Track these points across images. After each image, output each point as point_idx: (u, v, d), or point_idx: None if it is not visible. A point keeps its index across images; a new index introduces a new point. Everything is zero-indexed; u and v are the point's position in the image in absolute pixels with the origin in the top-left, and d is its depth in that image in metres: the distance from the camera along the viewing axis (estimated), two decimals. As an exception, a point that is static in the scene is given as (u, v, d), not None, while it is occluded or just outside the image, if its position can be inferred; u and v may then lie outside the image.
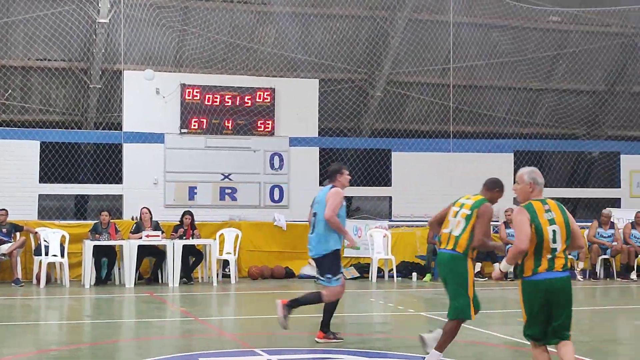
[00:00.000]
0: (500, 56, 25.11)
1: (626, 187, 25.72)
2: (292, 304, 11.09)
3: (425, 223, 21.12)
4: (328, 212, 10.91)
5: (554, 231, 7.75)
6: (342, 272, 11.27)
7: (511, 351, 11.31)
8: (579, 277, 20.00)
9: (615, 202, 25.06)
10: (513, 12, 24.28)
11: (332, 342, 11.07)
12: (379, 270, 19.96)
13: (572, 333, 12.28)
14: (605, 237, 20.60)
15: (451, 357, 10.44)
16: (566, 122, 26.38)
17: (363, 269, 20.36)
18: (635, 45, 25.94)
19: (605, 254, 20.50)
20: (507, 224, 20.48)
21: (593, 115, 26.78)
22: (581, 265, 20.31)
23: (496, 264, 7.54)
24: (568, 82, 26.20)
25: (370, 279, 19.78)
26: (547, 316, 7.90)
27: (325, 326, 11.20)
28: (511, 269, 7.96)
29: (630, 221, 21.13)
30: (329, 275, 11.05)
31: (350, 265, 20.52)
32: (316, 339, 11.18)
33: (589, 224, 21.16)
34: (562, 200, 26.93)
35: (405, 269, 20.29)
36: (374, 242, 20.11)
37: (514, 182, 8.07)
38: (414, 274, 20.09)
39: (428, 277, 19.83)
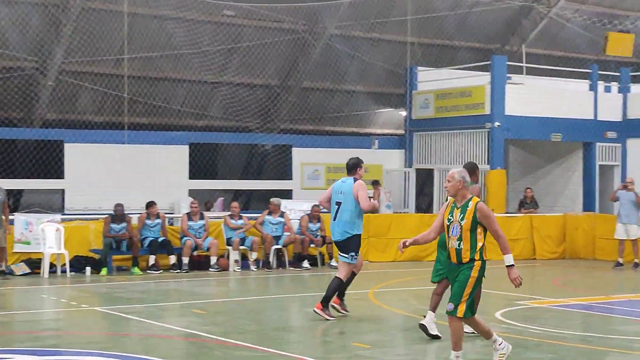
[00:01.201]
0: (175, 48, 25.17)
1: (297, 179, 26.67)
2: (326, 302, 12.63)
3: (100, 216, 20.72)
4: (365, 205, 12.63)
5: None
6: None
7: (186, 343, 11.34)
8: (252, 267, 20.43)
9: (288, 194, 25.90)
10: (187, 5, 24.43)
11: (325, 315, 12.56)
12: (52, 265, 19.30)
13: (245, 323, 12.53)
14: (273, 224, 21.15)
15: (124, 351, 10.31)
16: (240, 115, 26.93)
17: (34, 264, 19.57)
18: (305, 41, 26.94)
19: (277, 244, 21.07)
20: (189, 216, 20.37)
21: (266, 109, 27.54)
22: (255, 255, 20.71)
23: (512, 268, 8.04)
24: (242, 76, 26.77)
25: (42, 274, 19.08)
26: None
27: (327, 300, 12.66)
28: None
29: (307, 213, 21.76)
30: (353, 253, 12.75)
31: (21, 261, 19.69)
32: (333, 304, 12.77)
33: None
34: (237, 192, 27.47)
35: (78, 264, 19.76)
36: (46, 236, 19.42)
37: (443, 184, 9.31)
38: (88, 269, 19.62)
39: (104, 271, 19.43)
